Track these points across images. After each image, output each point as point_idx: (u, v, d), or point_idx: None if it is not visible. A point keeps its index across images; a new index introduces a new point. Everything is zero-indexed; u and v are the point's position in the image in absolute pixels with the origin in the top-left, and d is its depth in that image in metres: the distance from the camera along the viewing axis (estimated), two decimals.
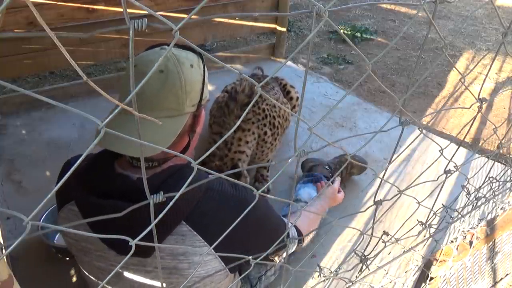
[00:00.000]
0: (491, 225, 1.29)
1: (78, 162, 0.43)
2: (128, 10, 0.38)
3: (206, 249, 0.92)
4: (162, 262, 0.93)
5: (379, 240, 1.02)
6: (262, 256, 0.82)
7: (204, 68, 0.99)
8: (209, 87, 1.23)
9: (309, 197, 1.95)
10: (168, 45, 0.96)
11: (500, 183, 1.42)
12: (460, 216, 1.19)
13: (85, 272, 1.08)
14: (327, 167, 2.20)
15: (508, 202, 1.41)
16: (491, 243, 1.35)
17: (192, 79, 0.93)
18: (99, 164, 0.96)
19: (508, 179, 1.56)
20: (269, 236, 1.03)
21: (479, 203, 1.27)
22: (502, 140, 1.16)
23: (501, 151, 1.23)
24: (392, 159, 0.92)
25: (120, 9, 2.67)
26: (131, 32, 0.38)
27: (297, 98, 2.60)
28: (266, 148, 2.20)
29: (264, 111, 2.17)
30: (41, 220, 1.81)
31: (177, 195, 0.54)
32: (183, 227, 0.91)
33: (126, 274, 0.98)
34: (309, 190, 2.00)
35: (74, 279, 1.70)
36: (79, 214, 0.95)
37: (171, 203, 0.55)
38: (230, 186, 1.01)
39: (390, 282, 1.59)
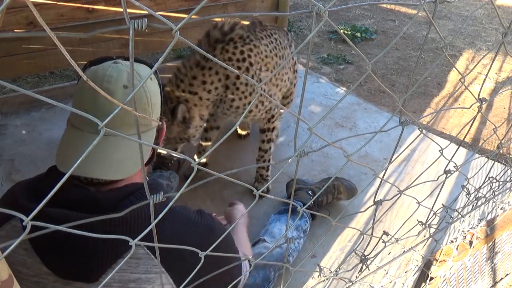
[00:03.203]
0: (491, 225, 1.29)
1: (79, 160, 0.43)
2: (128, 10, 0.38)
3: (163, 276, 0.83)
4: None
5: (379, 240, 1.02)
6: None
7: (159, 79, 0.96)
8: None
9: (280, 234, 1.81)
10: (124, 58, 0.91)
11: (500, 183, 1.42)
12: (460, 216, 1.19)
13: None
14: (310, 192, 2.06)
15: (508, 202, 1.41)
16: (491, 243, 1.35)
17: (155, 92, 0.91)
18: (51, 177, 0.88)
19: (508, 179, 1.56)
20: (226, 271, 0.91)
21: (479, 203, 1.27)
22: (502, 140, 1.16)
23: (501, 151, 1.23)
24: (392, 159, 0.92)
25: (120, 9, 2.67)
26: (131, 32, 0.38)
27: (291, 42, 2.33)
28: (249, 98, 1.89)
29: (243, 53, 1.85)
30: None
31: (177, 195, 0.54)
32: (140, 250, 0.83)
33: None
34: (280, 226, 1.86)
35: None
36: (22, 230, 0.84)
37: (170, 203, 0.55)
38: (195, 213, 0.95)
39: (390, 282, 1.59)
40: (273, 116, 2.12)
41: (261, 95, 1.84)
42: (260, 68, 1.94)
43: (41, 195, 0.79)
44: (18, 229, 0.86)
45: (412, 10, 5.18)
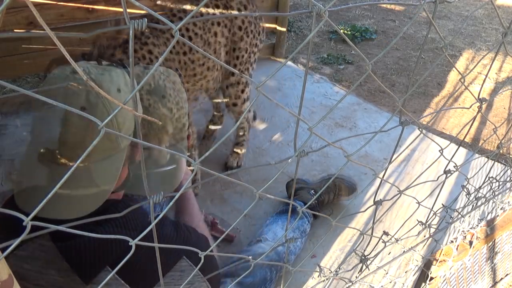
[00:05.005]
0: (491, 225, 1.29)
1: (78, 161, 0.43)
2: (128, 10, 0.38)
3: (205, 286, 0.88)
4: None
5: (379, 240, 1.02)
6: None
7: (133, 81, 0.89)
8: None
9: (274, 237, 1.79)
10: (87, 58, 0.81)
11: (500, 183, 1.42)
12: (460, 216, 1.19)
13: None
14: (312, 191, 2.04)
15: (508, 202, 1.41)
16: (491, 243, 1.35)
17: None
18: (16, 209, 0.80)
19: (508, 179, 1.56)
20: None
21: (479, 203, 1.27)
22: (502, 140, 1.16)
23: (501, 151, 1.23)
24: (392, 159, 0.92)
25: (120, 9, 2.67)
26: (131, 32, 0.38)
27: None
28: None
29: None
30: None
31: (177, 195, 0.54)
32: (183, 262, 0.87)
33: None
34: (275, 229, 1.83)
35: None
36: (53, 248, 0.79)
37: (171, 203, 0.55)
38: (172, 228, 0.94)
39: (390, 282, 1.59)
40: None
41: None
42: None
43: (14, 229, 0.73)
44: (47, 248, 0.81)
45: (412, 10, 5.18)
